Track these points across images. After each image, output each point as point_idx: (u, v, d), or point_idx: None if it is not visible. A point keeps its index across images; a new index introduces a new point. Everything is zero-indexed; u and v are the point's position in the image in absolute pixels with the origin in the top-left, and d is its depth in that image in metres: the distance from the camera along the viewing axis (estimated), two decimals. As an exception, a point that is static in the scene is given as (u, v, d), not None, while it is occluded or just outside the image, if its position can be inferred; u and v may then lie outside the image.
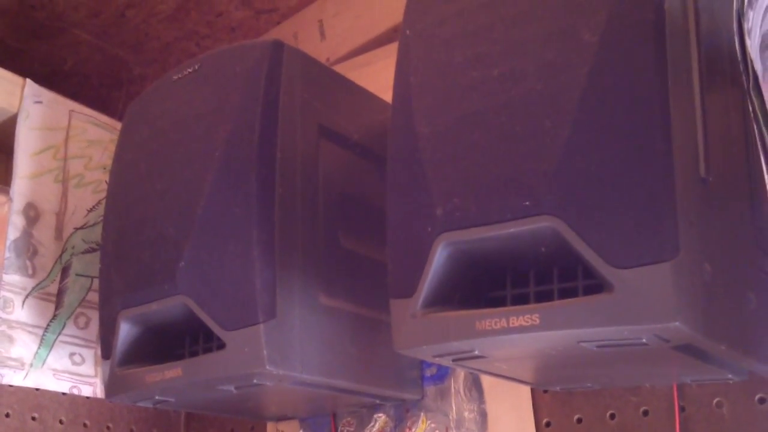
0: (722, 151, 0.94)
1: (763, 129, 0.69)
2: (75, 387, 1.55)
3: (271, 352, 1.08)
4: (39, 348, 1.50)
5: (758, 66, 0.70)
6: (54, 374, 1.52)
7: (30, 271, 1.50)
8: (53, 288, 1.54)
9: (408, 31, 1.01)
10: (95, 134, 1.65)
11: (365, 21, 1.74)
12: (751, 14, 0.71)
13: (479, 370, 1.10)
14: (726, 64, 0.94)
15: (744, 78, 0.70)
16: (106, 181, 1.62)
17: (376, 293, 1.21)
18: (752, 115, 0.70)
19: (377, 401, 1.37)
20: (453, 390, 1.33)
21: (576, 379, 1.15)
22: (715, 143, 0.90)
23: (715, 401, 1.09)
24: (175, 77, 1.28)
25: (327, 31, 1.80)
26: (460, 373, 1.33)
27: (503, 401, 1.28)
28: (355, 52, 1.74)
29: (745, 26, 0.71)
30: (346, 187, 1.27)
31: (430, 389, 1.36)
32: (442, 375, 1.35)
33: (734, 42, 0.78)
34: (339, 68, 1.67)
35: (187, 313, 1.14)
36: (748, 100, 0.70)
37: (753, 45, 0.71)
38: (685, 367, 1.00)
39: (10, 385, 1.49)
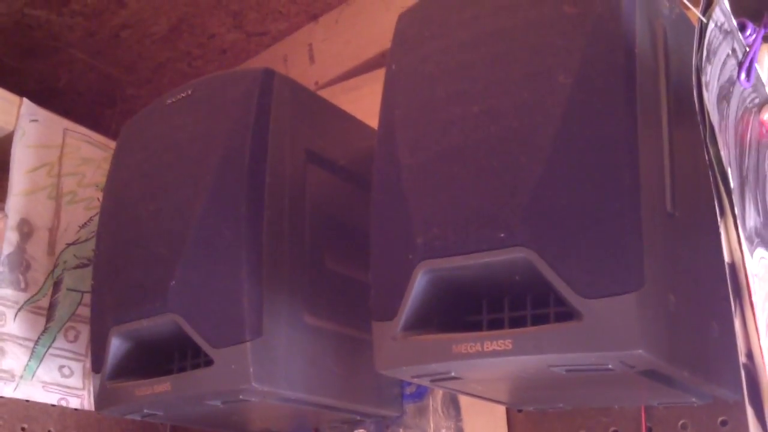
0: (689, 186, 0.99)
1: (718, 176, 0.75)
2: (63, 399, 1.59)
3: (257, 370, 1.12)
4: (29, 360, 1.54)
5: (715, 117, 0.75)
6: (43, 386, 1.56)
7: (22, 285, 1.54)
8: (44, 302, 1.57)
9: (394, 66, 1.06)
10: (88, 152, 1.69)
11: (353, 46, 1.79)
12: (709, 68, 0.77)
13: (456, 391, 1.14)
14: (694, 103, 1.00)
15: (701, 128, 0.76)
16: (98, 198, 1.67)
17: (358, 313, 1.25)
18: (708, 163, 0.76)
19: (358, 417, 1.41)
20: (431, 408, 1.38)
21: (549, 399, 1.19)
22: (682, 178, 0.95)
23: (680, 423, 1.14)
24: (169, 101, 1.33)
25: (316, 55, 1.85)
26: (439, 392, 1.37)
27: (479, 419, 1.33)
28: (343, 76, 1.79)
29: (703, 79, 0.76)
30: (332, 210, 1.31)
31: (410, 406, 1.40)
32: (421, 393, 1.39)
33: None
34: (327, 92, 1.72)
35: (177, 330, 1.18)
36: (704, 149, 0.75)
37: (710, 97, 0.76)
38: (652, 391, 1.05)
39: (1, 397, 1.52)
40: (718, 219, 0.77)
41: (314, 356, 1.21)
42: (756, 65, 0.87)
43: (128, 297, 1.24)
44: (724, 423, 1.10)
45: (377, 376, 1.18)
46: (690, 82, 0.91)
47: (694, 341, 0.95)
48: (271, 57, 1.92)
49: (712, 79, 0.77)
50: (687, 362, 0.92)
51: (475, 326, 0.96)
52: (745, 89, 0.87)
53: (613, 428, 1.20)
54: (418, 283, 0.95)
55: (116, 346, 1.26)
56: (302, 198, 1.25)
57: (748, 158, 0.85)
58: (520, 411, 1.29)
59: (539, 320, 0.91)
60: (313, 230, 1.26)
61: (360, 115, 1.43)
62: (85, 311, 1.61)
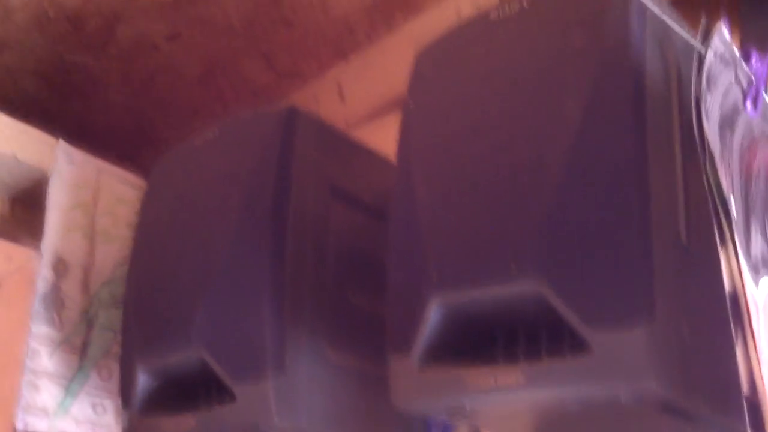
0: (706, 216, 0.98)
1: (718, 204, 0.75)
2: (96, 436, 1.61)
3: (280, 406, 1.13)
4: (63, 398, 1.56)
5: (715, 145, 0.76)
6: (76, 423, 1.58)
7: (57, 324, 1.57)
8: (78, 340, 1.60)
9: (411, 103, 1.08)
10: (122, 192, 1.73)
11: (383, 85, 1.81)
12: (708, 98, 0.77)
13: (476, 425, 1.14)
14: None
15: (701, 155, 0.76)
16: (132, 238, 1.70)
17: (381, 348, 1.25)
18: (707, 189, 0.76)
19: (384, 453, 1.41)
20: (458, 444, 1.37)
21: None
22: (698, 209, 0.95)
23: (703, 458, 1.12)
24: (197, 142, 1.36)
25: (346, 94, 1.87)
26: (464, 427, 1.36)
27: (505, 455, 1.31)
28: (372, 114, 1.81)
29: (703, 108, 0.76)
30: (355, 245, 1.32)
31: (436, 443, 1.39)
32: (447, 428, 1.38)
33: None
34: (357, 130, 1.74)
35: (202, 365, 1.19)
36: (704, 176, 0.76)
37: (711, 126, 0.76)
38: (671, 427, 1.04)
39: (35, 433, 1.55)
40: (719, 248, 0.77)
41: (337, 392, 1.22)
42: (763, 94, 0.87)
43: (155, 333, 1.26)
44: (748, 458, 1.08)
45: (401, 412, 1.19)
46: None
47: (711, 373, 0.93)
48: (303, 97, 1.95)
49: (713, 107, 0.78)
50: (703, 395, 0.91)
51: (490, 359, 0.96)
52: (753, 118, 0.87)
53: (636, 464, 1.18)
54: (433, 315, 0.96)
55: (144, 381, 1.28)
56: (326, 234, 1.26)
57: (756, 186, 0.85)
58: (544, 447, 1.28)
59: (554, 353, 0.91)
60: (337, 266, 1.27)
61: (389, 152, 1.43)
62: (118, 350, 1.63)
